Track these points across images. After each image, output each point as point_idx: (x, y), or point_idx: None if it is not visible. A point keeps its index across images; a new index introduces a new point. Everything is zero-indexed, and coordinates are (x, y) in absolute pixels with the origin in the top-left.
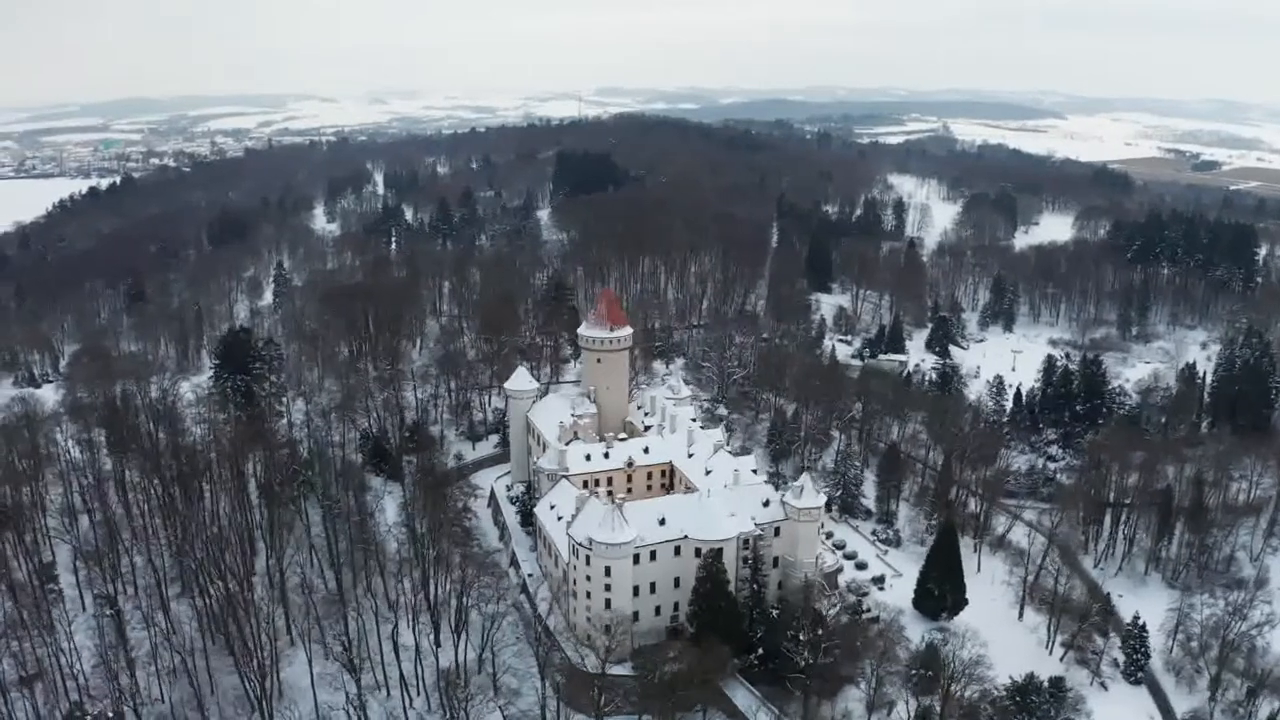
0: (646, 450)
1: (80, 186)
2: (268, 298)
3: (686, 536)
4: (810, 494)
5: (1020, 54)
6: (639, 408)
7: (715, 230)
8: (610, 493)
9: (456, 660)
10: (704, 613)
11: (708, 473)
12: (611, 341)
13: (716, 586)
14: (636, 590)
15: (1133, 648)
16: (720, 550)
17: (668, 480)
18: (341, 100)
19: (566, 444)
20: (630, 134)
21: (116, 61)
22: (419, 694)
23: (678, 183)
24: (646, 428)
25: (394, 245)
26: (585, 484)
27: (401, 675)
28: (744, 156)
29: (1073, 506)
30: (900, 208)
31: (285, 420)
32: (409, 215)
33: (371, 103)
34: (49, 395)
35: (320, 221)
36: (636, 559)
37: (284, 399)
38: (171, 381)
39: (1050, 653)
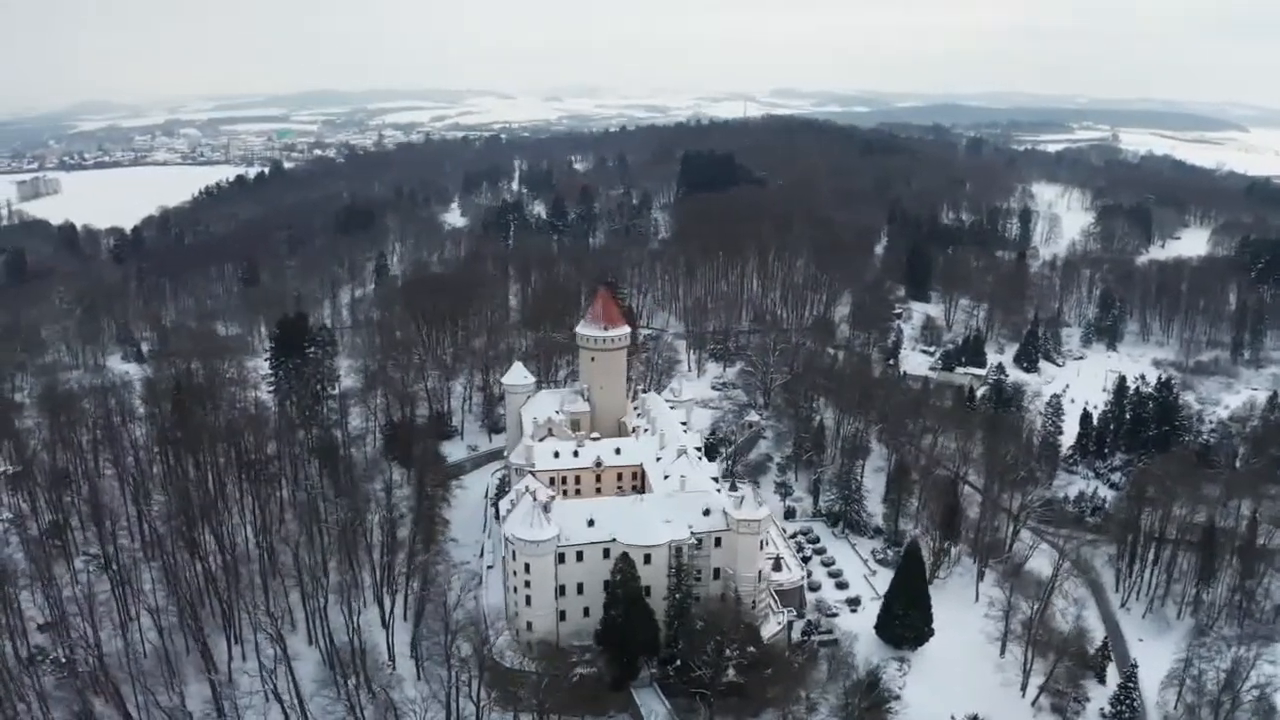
0: (618, 451)
1: (239, 174)
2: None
3: (615, 540)
4: (750, 505)
5: (1213, 64)
6: (635, 409)
7: (814, 234)
8: (579, 491)
9: (389, 643)
10: (615, 618)
11: (665, 477)
12: (606, 341)
13: (629, 592)
14: (563, 590)
15: (1118, 698)
16: (648, 555)
17: (639, 482)
18: (519, 97)
19: (540, 440)
20: (770, 136)
21: (307, 55)
22: (353, 673)
23: (797, 185)
24: (634, 429)
25: (510, 240)
26: (552, 481)
27: (335, 651)
28: (879, 160)
29: (1102, 538)
30: (1026, 216)
31: (324, 404)
32: (528, 211)
33: (547, 100)
34: (141, 371)
35: (455, 215)
36: (563, 559)
37: (334, 383)
38: (234, 362)
39: (1024, 695)
